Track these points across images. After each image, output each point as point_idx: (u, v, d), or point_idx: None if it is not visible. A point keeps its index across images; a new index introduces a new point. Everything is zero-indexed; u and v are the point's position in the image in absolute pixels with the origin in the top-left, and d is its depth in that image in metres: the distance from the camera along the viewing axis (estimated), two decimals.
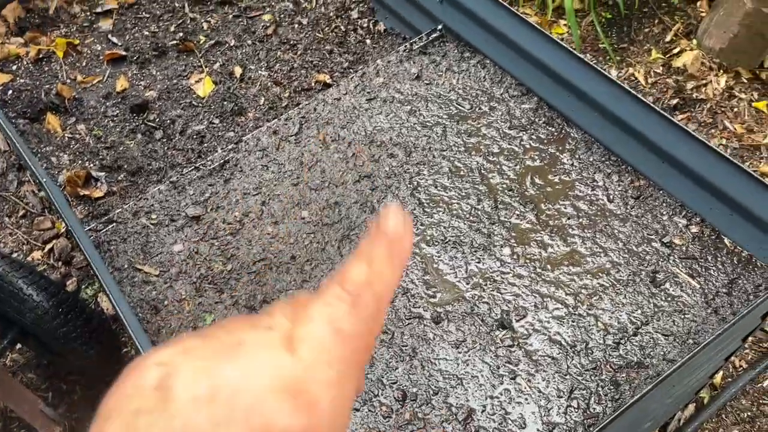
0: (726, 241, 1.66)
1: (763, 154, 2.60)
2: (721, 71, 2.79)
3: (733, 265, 1.61)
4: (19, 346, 2.19)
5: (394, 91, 2.08)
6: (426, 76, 2.11)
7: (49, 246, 2.43)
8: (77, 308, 1.78)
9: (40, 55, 2.49)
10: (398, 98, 2.06)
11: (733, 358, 2.13)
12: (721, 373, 2.08)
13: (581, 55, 1.79)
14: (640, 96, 1.69)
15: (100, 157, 2.15)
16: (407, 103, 2.04)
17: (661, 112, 1.66)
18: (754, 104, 2.74)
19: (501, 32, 2.01)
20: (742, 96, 2.75)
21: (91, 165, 2.13)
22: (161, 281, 1.69)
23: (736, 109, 2.71)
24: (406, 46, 2.22)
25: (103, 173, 2.11)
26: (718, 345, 1.42)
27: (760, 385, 2.07)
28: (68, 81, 2.39)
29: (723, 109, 2.72)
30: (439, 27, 2.23)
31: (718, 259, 1.63)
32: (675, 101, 2.72)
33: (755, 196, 1.54)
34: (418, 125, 1.98)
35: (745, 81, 2.80)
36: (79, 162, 2.14)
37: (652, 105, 1.67)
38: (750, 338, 1.66)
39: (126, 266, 1.72)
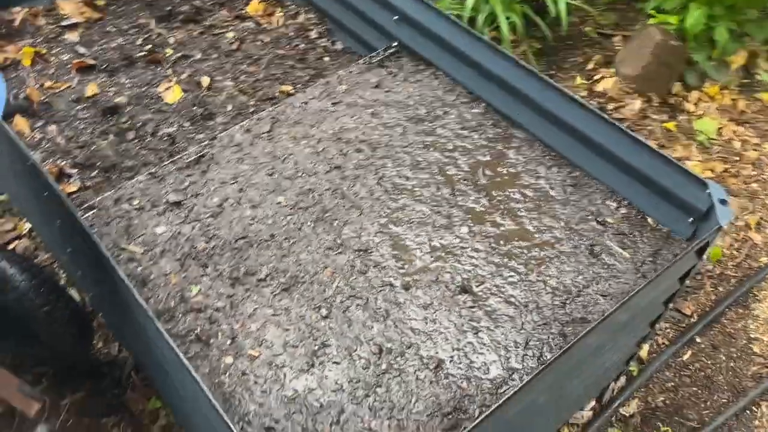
0: (650, 220, 1.93)
1: None
2: (637, 95, 3.16)
3: (656, 239, 1.88)
4: None
5: (357, 96, 2.29)
6: (385, 85, 2.34)
7: (11, 246, 2.45)
8: (58, 290, 1.84)
9: (7, 62, 2.56)
10: (361, 103, 2.27)
11: (658, 331, 2.40)
12: (647, 347, 2.33)
13: (524, 63, 2.06)
14: (575, 96, 1.96)
15: (73, 155, 2.23)
16: (369, 107, 2.25)
17: (594, 109, 1.93)
18: (664, 125, 3.12)
19: (452, 46, 2.27)
20: (655, 117, 3.13)
21: (64, 163, 2.20)
22: (146, 258, 1.79)
23: (650, 128, 3.08)
24: (365, 59, 2.45)
25: (76, 170, 2.19)
26: (643, 302, 1.66)
27: (680, 359, 2.34)
28: (37, 86, 2.47)
29: (639, 127, 3.08)
30: (395, 43, 2.47)
31: (644, 234, 1.90)
32: None
33: (672, 180, 1.82)
34: (380, 126, 2.19)
35: (656, 104, 3.18)
36: (51, 160, 2.21)
37: (585, 104, 1.95)
38: (671, 305, 1.91)
39: (111, 246, 1.81)
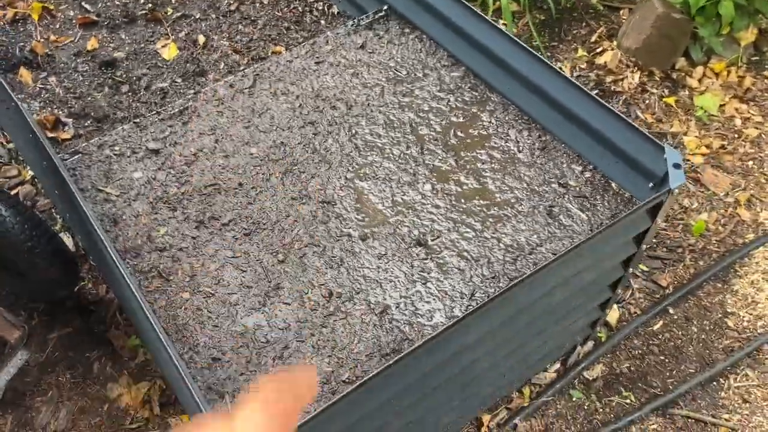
0: (613, 185, 1.95)
1: (669, 140, 2.94)
2: (636, 69, 3.14)
3: (617, 203, 1.90)
4: None
5: (340, 57, 2.35)
6: (369, 47, 2.38)
7: (15, 191, 2.60)
8: (41, 227, 1.97)
9: (17, 17, 2.69)
10: (344, 63, 2.32)
11: (630, 301, 2.42)
12: (617, 315, 2.36)
13: (506, 31, 2.08)
14: (549, 63, 1.98)
15: (69, 105, 2.34)
16: (351, 67, 2.30)
17: (567, 77, 1.95)
18: (664, 99, 3.09)
19: (439, 12, 2.30)
20: (654, 91, 3.10)
21: (60, 112, 2.32)
22: (121, 200, 1.89)
23: (647, 102, 3.06)
24: (354, 21, 2.50)
25: (71, 119, 2.31)
26: (592, 257, 1.69)
27: (650, 328, 2.36)
28: (42, 40, 2.59)
29: (636, 101, 3.06)
30: (385, 7, 2.51)
31: (605, 198, 1.92)
32: (595, 92, 3.05)
33: (634, 145, 1.83)
34: (359, 85, 2.24)
35: (658, 79, 3.15)
36: (49, 109, 2.33)
37: (559, 71, 1.96)
38: (631, 269, 1.94)
39: (89, 188, 1.92)
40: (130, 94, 2.41)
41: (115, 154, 2.02)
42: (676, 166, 1.69)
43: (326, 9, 2.83)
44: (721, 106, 3.10)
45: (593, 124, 1.94)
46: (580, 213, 1.88)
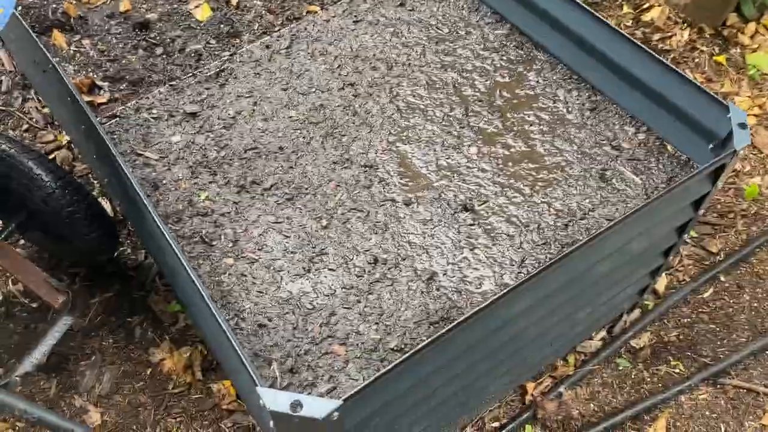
0: (668, 147, 1.86)
1: None
2: (685, 25, 2.99)
3: (672, 166, 1.81)
4: (22, 242, 2.35)
5: (379, 15, 2.26)
6: (409, 4, 2.29)
7: (51, 157, 2.59)
8: (81, 192, 1.95)
9: None
10: (383, 21, 2.24)
11: (679, 268, 2.34)
12: (665, 282, 2.28)
13: None
14: (601, 17, 1.88)
15: (104, 68, 2.31)
16: (391, 26, 2.22)
17: (619, 30, 1.84)
18: (714, 57, 2.95)
19: None
20: (704, 49, 2.96)
21: (95, 75, 2.28)
22: (160, 165, 1.86)
23: (697, 60, 2.92)
24: None
25: (107, 83, 2.27)
26: (649, 223, 1.61)
27: (700, 296, 2.29)
28: (74, 2, 2.54)
29: (685, 59, 2.92)
30: None
31: (660, 161, 1.83)
32: None
33: (693, 104, 1.74)
34: (399, 45, 2.16)
35: (708, 36, 3.00)
36: (84, 73, 2.30)
37: (611, 25, 1.86)
38: (686, 235, 1.86)
39: (128, 152, 1.89)
40: (164, 56, 2.36)
41: (153, 118, 1.98)
42: (742, 125, 1.59)
43: None
44: None
45: (647, 81, 1.84)
46: (634, 177, 1.80)
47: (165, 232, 1.46)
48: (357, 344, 1.51)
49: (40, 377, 2.07)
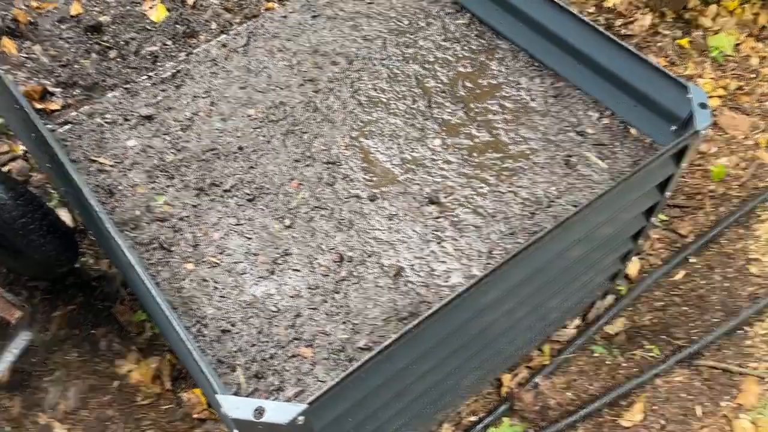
0: (632, 130, 1.85)
1: None
2: (647, 10, 2.99)
3: (637, 149, 1.80)
4: None
5: (337, 9, 2.22)
6: None
7: (6, 168, 2.50)
8: (35, 203, 1.88)
9: None
10: (341, 15, 2.20)
11: (650, 252, 2.33)
12: (637, 267, 2.28)
13: None
14: (562, 3, 1.85)
15: (56, 74, 2.23)
16: (350, 20, 2.18)
17: (579, 16, 1.82)
18: (677, 41, 2.96)
19: None
20: (667, 33, 2.97)
21: (47, 81, 2.21)
22: (116, 170, 1.80)
23: (660, 44, 2.92)
24: None
25: (59, 89, 2.20)
26: (615, 207, 1.60)
27: (672, 279, 2.28)
28: (24, 7, 2.46)
29: (648, 44, 2.93)
30: None
31: (625, 145, 1.82)
32: None
33: (654, 86, 1.72)
34: (359, 38, 2.12)
35: (670, 20, 3.01)
36: (35, 79, 2.22)
37: (574, 12, 1.84)
38: (654, 218, 1.84)
39: (82, 159, 1.83)
40: (118, 59, 2.30)
41: (106, 123, 1.92)
42: (702, 105, 1.58)
43: None
44: (736, 45, 2.97)
45: (609, 66, 1.82)
46: (600, 162, 1.78)
47: (119, 240, 1.41)
48: (324, 345, 1.47)
49: (1, 395, 2.00)
